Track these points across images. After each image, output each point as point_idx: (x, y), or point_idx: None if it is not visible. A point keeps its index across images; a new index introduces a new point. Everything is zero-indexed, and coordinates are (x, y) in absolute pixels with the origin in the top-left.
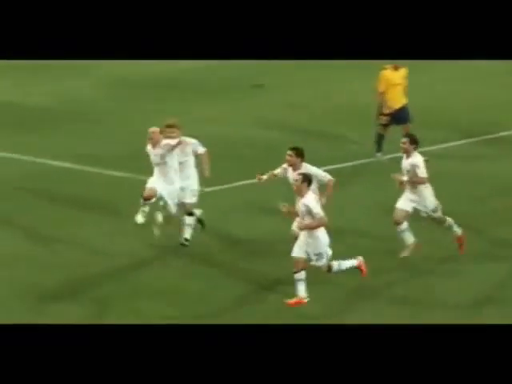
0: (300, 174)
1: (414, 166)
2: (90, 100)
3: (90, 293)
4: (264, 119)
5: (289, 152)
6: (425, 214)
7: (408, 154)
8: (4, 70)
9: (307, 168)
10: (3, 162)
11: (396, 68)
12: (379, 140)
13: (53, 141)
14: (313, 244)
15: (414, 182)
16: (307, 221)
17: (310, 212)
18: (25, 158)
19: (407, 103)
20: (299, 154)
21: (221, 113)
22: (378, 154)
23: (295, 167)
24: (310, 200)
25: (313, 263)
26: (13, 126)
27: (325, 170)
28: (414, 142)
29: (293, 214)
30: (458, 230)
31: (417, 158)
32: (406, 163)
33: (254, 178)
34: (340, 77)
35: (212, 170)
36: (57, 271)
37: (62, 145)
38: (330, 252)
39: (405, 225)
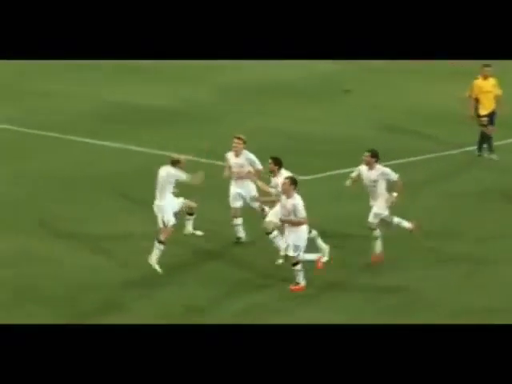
0: (288, 177)
1: (384, 175)
2: (204, 102)
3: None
4: (352, 118)
5: (269, 161)
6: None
7: (370, 166)
8: (132, 73)
9: (283, 174)
10: (132, 155)
11: (485, 77)
12: (488, 140)
13: (173, 137)
14: (294, 237)
15: (398, 190)
16: (291, 217)
17: (295, 211)
18: (149, 151)
19: (496, 108)
20: (277, 162)
21: (315, 114)
22: (493, 156)
23: (274, 174)
24: (299, 201)
25: (287, 252)
26: (139, 123)
27: (402, 163)
28: (375, 156)
29: (266, 193)
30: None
31: (383, 169)
32: (371, 174)
33: (342, 168)
34: (415, 80)
35: (307, 162)
36: (177, 250)
37: (181, 140)
38: (303, 246)
39: (378, 232)
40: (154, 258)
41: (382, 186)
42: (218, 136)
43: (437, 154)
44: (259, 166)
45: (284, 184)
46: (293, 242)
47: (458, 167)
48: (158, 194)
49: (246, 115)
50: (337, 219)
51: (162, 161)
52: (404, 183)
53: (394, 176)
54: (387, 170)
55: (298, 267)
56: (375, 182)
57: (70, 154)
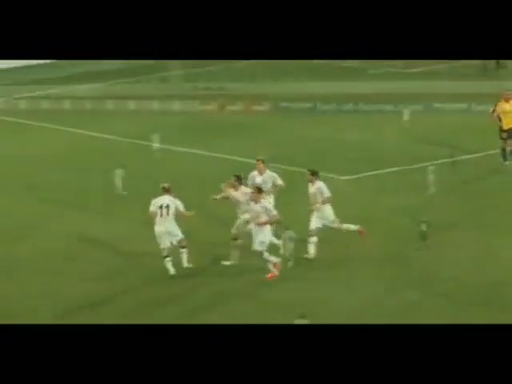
0: (255, 187)
1: (319, 190)
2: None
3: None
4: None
5: (232, 179)
6: (328, 225)
7: (312, 182)
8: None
9: (243, 188)
10: (204, 159)
11: (507, 100)
12: (504, 151)
13: (239, 144)
14: (260, 234)
15: (324, 202)
16: (263, 218)
17: (266, 211)
18: (220, 156)
19: None
20: (238, 179)
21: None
22: (506, 163)
23: (236, 188)
24: (267, 203)
25: (254, 247)
26: (209, 132)
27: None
28: (315, 173)
29: (228, 190)
30: (354, 227)
31: (320, 184)
32: (312, 189)
33: (377, 170)
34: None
35: (354, 164)
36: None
37: (245, 147)
38: (267, 242)
39: (315, 238)
40: (185, 262)
41: (320, 199)
42: (273, 144)
43: (460, 158)
44: (278, 182)
45: (252, 193)
46: (259, 239)
47: (479, 170)
48: (162, 220)
49: (298, 126)
50: (380, 210)
51: (233, 164)
52: (431, 182)
53: (327, 193)
54: (322, 187)
55: (266, 255)
56: (315, 194)
57: (155, 158)
